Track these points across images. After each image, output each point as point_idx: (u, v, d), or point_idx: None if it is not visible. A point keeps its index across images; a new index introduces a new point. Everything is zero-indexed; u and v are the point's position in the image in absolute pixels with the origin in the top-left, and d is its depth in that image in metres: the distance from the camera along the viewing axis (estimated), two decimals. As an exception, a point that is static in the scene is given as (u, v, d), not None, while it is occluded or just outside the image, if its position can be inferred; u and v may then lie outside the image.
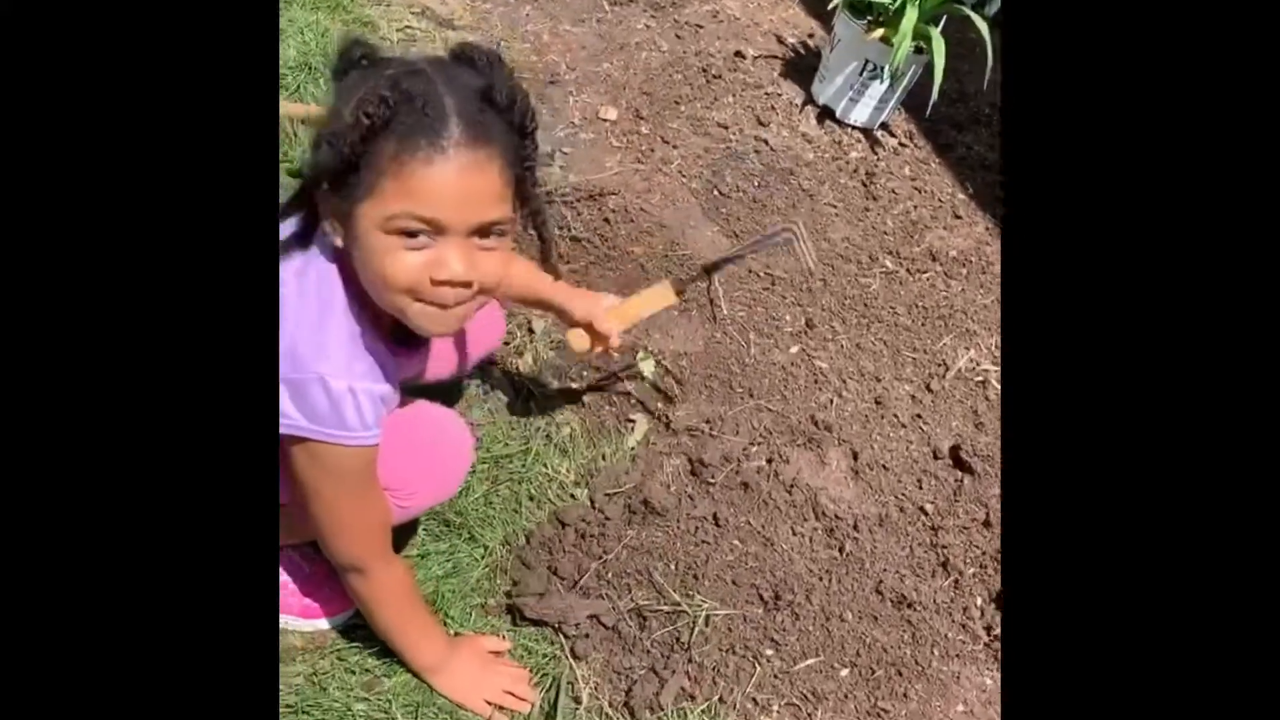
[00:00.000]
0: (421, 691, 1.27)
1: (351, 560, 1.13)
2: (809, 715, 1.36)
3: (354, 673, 1.28)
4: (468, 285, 0.99)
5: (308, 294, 1.02)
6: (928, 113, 2.24)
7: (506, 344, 1.68)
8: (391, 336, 1.10)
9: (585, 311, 1.41)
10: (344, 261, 1.04)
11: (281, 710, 1.23)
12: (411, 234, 0.95)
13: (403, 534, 1.44)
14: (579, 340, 1.42)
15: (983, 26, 2.12)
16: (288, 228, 1.03)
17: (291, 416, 1.00)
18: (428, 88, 0.94)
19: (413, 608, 1.23)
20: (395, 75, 0.95)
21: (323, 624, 1.32)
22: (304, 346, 1.00)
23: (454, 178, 0.94)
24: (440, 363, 1.39)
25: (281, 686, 1.25)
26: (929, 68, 2.17)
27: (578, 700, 1.31)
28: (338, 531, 1.11)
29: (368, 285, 1.01)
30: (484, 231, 0.98)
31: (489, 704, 1.27)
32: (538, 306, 1.47)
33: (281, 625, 1.31)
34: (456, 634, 1.34)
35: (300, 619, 1.31)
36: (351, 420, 1.01)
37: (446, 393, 1.53)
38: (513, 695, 1.29)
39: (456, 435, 1.29)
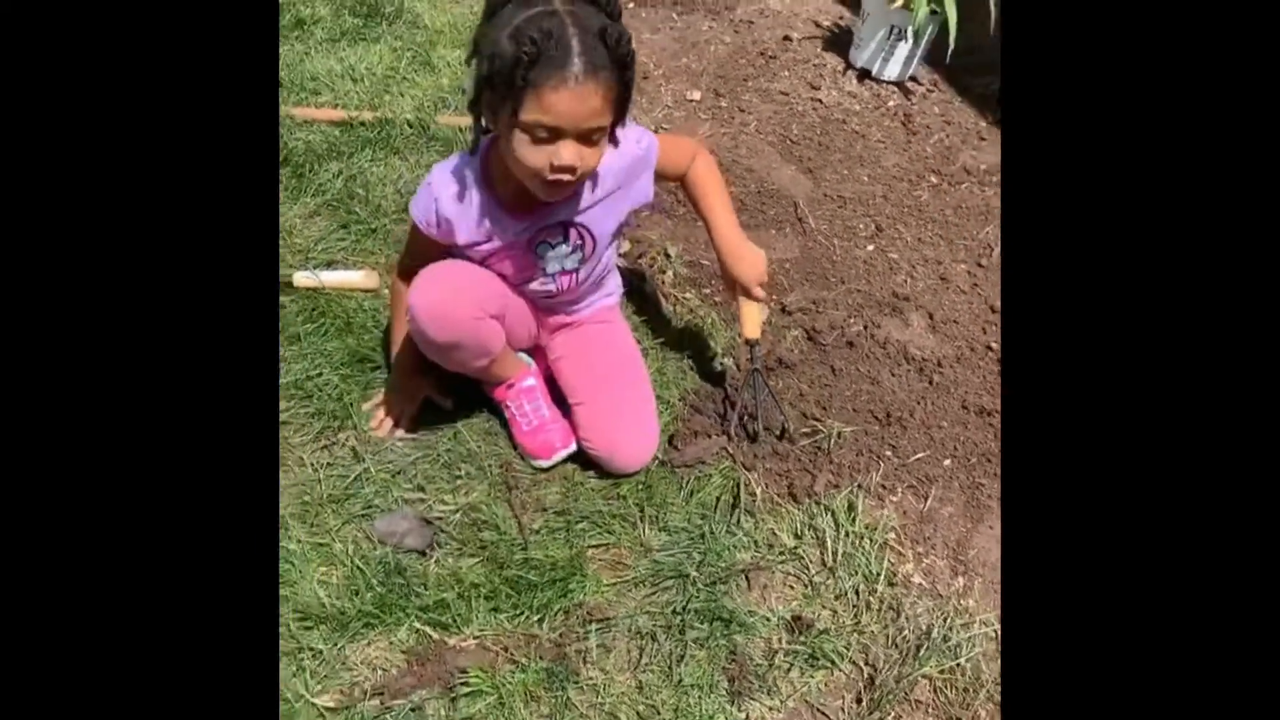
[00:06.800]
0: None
1: (402, 271, 1.59)
2: (925, 494, 1.68)
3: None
4: (573, 170, 1.30)
5: (466, 161, 1.43)
6: (946, 59, 2.55)
7: (650, 265, 2.04)
8: (510, 202, 1.43)
9: (743, 279, 1.62)
10: (492, 143, 1.40)
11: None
12: (537, 135, 1.26)
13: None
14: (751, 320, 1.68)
15: (985, -16, 2.44)
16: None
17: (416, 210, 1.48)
18: (561, 30, 1.19)
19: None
20: (539, 14, 1.21)
21: (543, 463, 1.64)
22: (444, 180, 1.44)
23: (572, 100, 1.21)
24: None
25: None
26: (944, 26, 2.49)
27: (753, 495, 1.65)
28: (405, 255, 1.61)
29: (509, 163, 1.34)
30: (588, 135, 1.29)
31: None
32: (714, 246, 1.65)
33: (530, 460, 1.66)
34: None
35: (531, 456, 1.65)
36: (429, 219, 1.46)
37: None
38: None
39: (496, 326, 1.51)
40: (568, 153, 1.27)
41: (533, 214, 1.46)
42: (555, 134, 1.25)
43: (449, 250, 1.53)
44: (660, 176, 1.58)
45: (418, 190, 1.47)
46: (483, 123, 1.35)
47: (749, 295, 1.64)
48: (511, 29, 1.22)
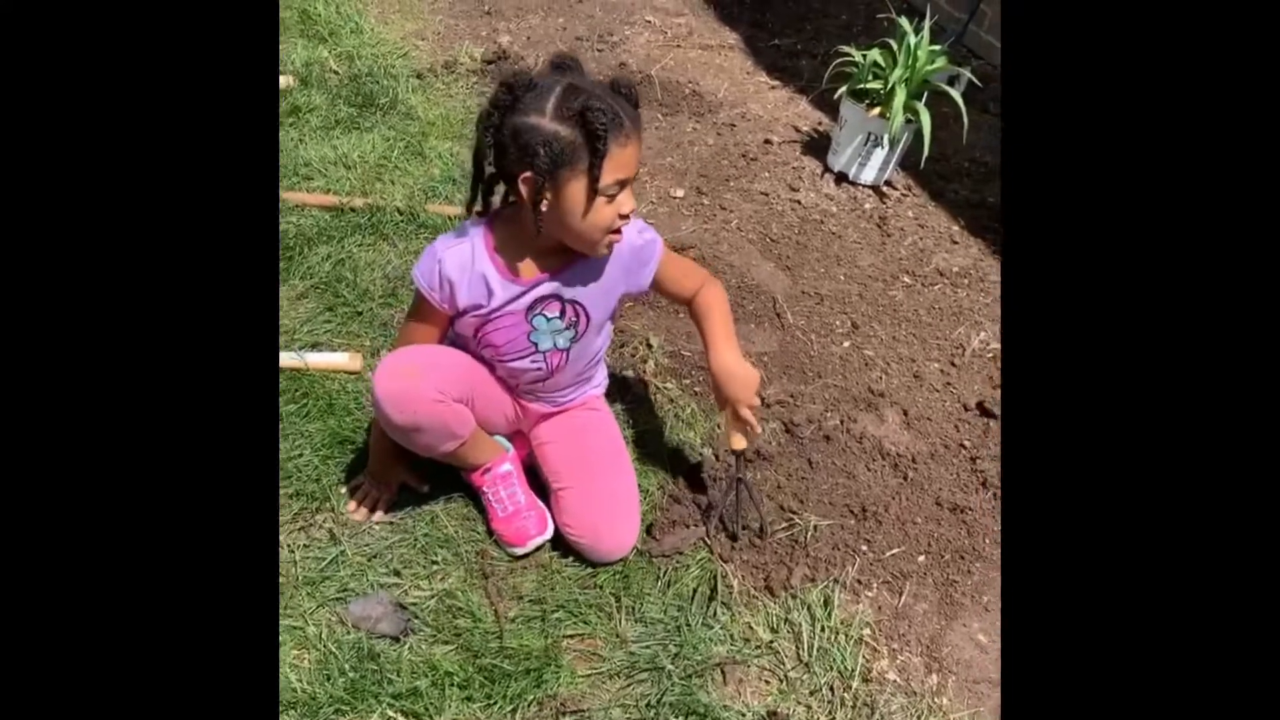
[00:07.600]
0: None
1: (395, 344, 1.61)
2: (899, 589, 1.69)
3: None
4: (631, 214, 1.41)
5: (469, 230, 1.48)
6: (921, 165, 2.66)
7: (633, 355, 2.08)
8: (511, 270, 1.47)
9: (735, 398, 1.60)
10: (496, 217, 1.49)
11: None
12: (610, 194, 1.36)
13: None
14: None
15: (957, 98, 2.57)
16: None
17: (418, 272, 1.48)
18: (600, 98, 1.31)
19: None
20: (567, 91, 1.31)
21: (518, 550, 1.64)
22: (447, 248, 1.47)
23: (633, 150, 1.36)
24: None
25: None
26: (918, 134, 2.60)
27: (730, 587, 1.65)
28: (400, 334, 1.61)
29: (576, 231, 1.39)
30: (633, 181, 1.40)
31: None
32: (709, 364, 1.63)
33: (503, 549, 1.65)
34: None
35: (506, 543, 1.65)
36: (432, 281, 1.47)
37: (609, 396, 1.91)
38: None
39: (462, 410, 1.54)
40: (631, 199, 1.41)
41: (533, 283, 1.50)
42: (621, 187, 1.38)
43: (445, 326, 1.56)
44: (668, 294, 1.66)
45: (421, 257, 1.49)
46: (486, 200, 1.47)
47: (737, 415, 1.62)
48: (553, 114, 1.32)
